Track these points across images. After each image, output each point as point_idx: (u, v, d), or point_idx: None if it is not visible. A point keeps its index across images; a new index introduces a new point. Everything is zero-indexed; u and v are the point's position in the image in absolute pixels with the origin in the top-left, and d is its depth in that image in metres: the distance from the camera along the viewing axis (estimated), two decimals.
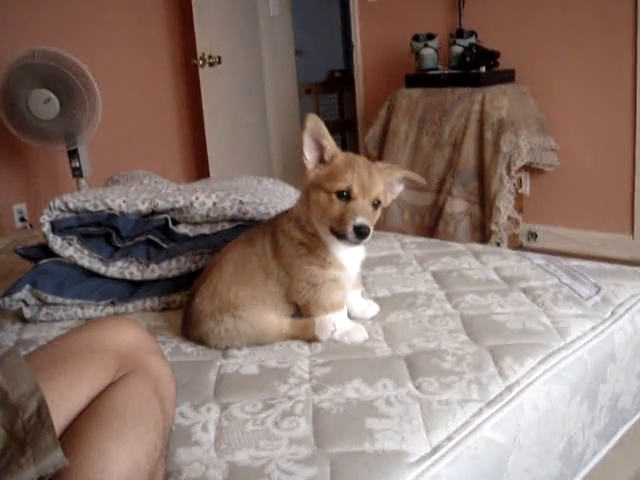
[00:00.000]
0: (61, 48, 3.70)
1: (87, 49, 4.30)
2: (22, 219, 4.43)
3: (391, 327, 1.78)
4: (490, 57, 4.24)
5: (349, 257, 1.74)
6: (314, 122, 1.64)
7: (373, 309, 1.87)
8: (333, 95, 7.16)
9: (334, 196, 1.62)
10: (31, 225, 4.32)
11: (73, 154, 3.97)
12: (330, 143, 1.66)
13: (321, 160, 1.67)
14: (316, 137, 1.65)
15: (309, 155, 1.67)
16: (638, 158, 4.08)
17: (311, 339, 1.72)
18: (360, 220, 1.57)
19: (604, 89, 4.12)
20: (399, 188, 1.77)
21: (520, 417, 1.42)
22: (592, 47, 4.10)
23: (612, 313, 1.82)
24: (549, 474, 1.53)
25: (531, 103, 4.23)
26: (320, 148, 1.66)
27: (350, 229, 1.58)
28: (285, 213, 1.80)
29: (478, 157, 4.14)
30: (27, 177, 4.46)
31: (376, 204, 1.65)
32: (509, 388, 1.47)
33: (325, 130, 1.65)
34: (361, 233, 1.58)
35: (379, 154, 4.59)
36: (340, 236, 1.62)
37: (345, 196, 1.61)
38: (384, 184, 1.67)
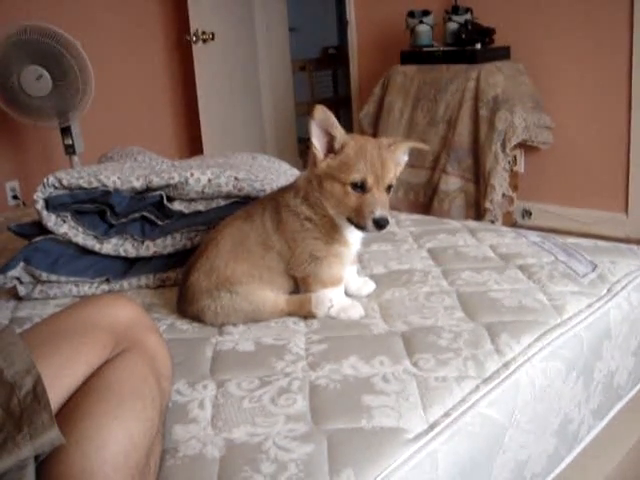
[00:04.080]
0: (53, 24, 3.66)
1: (79, 25, 4.25)
2: (15, 197, 4.41)
3: (387, 304, 1.78)
4: (485, 34, 4.21)
5: (356, 236, 1.75)
6: (322, 112, 1.62)
7: (369, 286, 1.87)
8: (327, 72, 7.13)
9: (349, 188, 1.62)
10: (24, 203, 4.30)
11: (66, 131, 3.94)
12: (339, 132, 1.64)
13: (330, 149, 1.66)
14: (325, 127, 1.63)
15: (318, 144, 1.65)
16: (633, 137, 4.07)
17: (307, 315, 1.72)
18: (379, 213, 1.58)
19: (599, 67, 4.10)
20: (405, 159, 1.76)
21: (516, 394, 1.42)
22: (588, 25, 4.08)
23: (608, 290, 1.82)
24: (544, 450, 1.54)
25: (526, 80, 4.21)
26: (329, 137, 1.65)
27: (370, 223, 1.59)
28: (288, 189, 1.78)
29: (473, 134, 4.12)
30: (19, 154, 4.43)
31: (389, 188, 1.65)
32: (505, 365, 1.47)
33: (334, 119, 1.63)
34: (381, 225, 1.59)
35: (374, 131, 4.57)
36: (359, 227, 1.63)
37: (360, 187, 1.61)
38: (393, 163, 1.66)
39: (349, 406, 1.32)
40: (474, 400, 1.36)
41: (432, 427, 1.28)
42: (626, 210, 4.18)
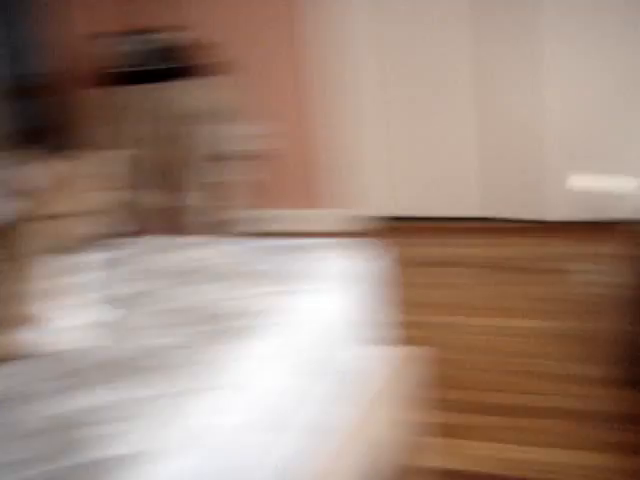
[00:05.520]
0: None
1: None
2: None
3: (115, 327, 1.70)
4: (193, 51, 4.25)
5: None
6: None
7: (95, 313, 1.77)
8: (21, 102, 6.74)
9: None
10: None
11: None
12: None
13: None
14: None
15: None
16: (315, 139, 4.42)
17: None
18: None
19: (300, 78, 4.40)
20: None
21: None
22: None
23: (323, 286, 1.89)
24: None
25: (230, 93, 4.29)
26: None
27: None
28: None
29: (173, 152, 4.14)
30: None
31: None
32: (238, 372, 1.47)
33: None
34: None
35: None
36: None
37: None
38: None
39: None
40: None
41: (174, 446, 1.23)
42: (321, 206, 4.64)
